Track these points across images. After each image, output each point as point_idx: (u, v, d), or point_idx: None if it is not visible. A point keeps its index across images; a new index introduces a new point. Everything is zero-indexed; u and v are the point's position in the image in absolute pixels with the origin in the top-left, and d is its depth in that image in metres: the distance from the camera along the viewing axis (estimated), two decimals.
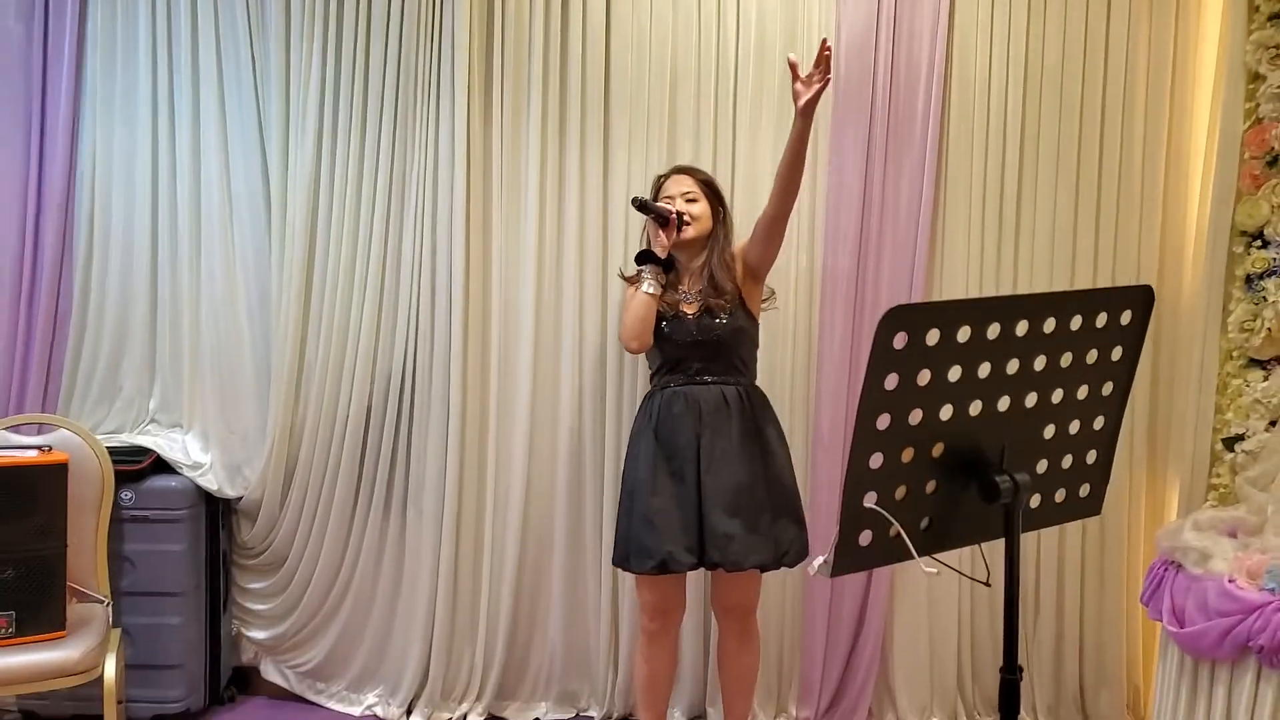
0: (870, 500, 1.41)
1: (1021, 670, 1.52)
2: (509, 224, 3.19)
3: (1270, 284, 2.67)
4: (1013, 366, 1.50)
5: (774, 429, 2.67)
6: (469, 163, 3.13)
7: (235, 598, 3.36)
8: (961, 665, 3.23)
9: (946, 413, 1.45)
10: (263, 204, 3.21)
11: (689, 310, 2.63)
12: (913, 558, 1.44)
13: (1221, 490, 2.75)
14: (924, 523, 1.50)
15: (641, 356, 2.91)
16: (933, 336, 1.39)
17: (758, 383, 2.76)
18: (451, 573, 3.21)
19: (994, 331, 1.45)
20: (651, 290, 2.60)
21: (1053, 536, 3.14)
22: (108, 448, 2.96)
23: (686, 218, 2.64)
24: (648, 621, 2.75)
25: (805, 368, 3.16)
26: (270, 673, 3.38)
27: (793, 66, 2.45)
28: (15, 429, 2.90)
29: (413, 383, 3.20)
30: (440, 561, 3.20)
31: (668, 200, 2.68)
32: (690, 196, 2.67)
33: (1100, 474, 1.71)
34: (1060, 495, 1.67)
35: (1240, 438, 2.70)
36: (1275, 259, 2.69)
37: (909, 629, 3.21)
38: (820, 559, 1.42)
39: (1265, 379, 2.69)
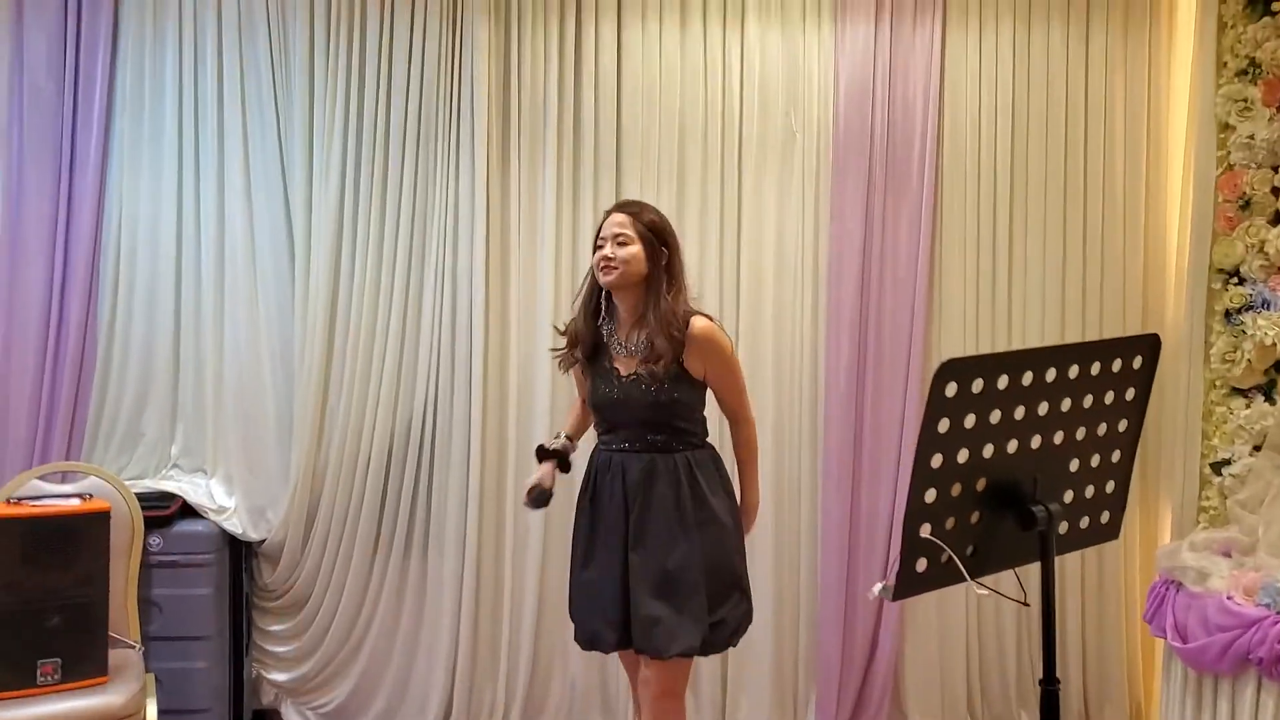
0: (925, 531, 1.55)
1: (1059, 682, 1.66)
2: (526, 276, 3.31)
3: (1248, 318, 2.86)
4: (1043, 409, 1.65)
5: (722, 497, 2.47)
6: (488, 217, 3.25)
7: (256, 640, 3.41)
8: (970, 683, 3.37)
9: (989, 451, 1.60)
10: (286, 256, 3.30)
11: (622, 369, 2.44)
12: (964, 580, 1.58)
13: (1211, 512, 2.91)
14: (969, 550, 1.64)
15: None
16: (977, 385, 1.54)
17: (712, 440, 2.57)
18: (473, 611, 3.30)
19: (1028, 379, 1.60)
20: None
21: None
22: (134, 494, 3.02)
23: (612, 262, 2.39)
24: (628, 676, 2.68)
25: (812, 403, 3.30)
26: (291, 715, 3.41)
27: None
28: (44, 477, 2.95)
29: (434, 428, 3.30)
30: (461, 601, 3.29)
31: (601, 242, 2.44)
32: (622, 240, 2.40)
33: (1118, 502, 1.86)
34: (1084, 522, 1.82)
35: (1227, 462, 2.87)
36: (1251, 295, 2.88)
37: (921, 649, 3.34)
38: (880, 584, 1.56)
39: (1247, 406, 2.87)
